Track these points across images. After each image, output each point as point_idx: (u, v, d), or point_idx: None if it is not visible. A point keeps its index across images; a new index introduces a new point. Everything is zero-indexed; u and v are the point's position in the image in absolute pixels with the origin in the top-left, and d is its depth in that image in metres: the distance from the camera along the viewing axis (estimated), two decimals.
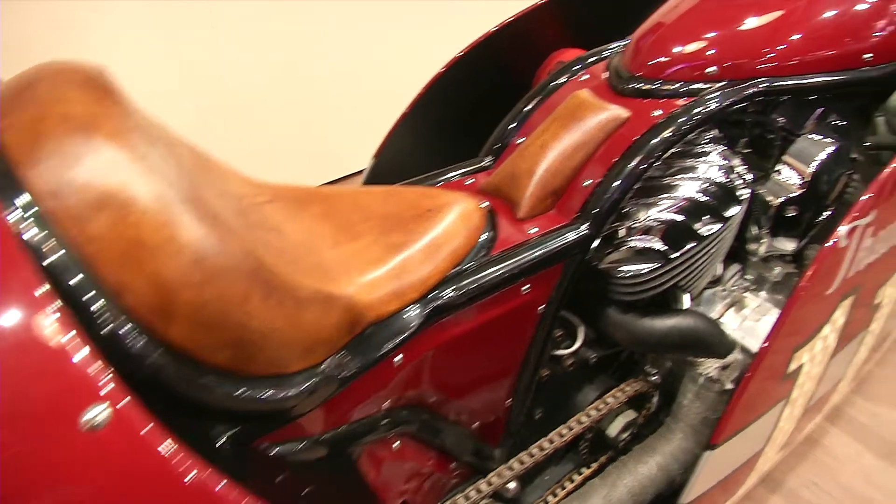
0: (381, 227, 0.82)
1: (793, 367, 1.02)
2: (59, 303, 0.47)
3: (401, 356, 0.79)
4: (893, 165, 0.99)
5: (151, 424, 0.49)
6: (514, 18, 1.33)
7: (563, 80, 1.13)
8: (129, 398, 0.48)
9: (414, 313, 0.79)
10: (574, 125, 0.97)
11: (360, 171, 1.31)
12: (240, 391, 0.62)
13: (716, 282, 1.17)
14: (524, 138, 1.04)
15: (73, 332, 0.47)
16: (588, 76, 1.13)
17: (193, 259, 0.56)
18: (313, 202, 0.83)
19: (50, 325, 0.46)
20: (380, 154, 1.29)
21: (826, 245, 0.93)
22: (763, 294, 1.20)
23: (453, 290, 0.82)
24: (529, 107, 1.11)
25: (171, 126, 0.69)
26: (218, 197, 0.66)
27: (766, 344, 0.94)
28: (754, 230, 1.12)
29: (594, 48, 1.21)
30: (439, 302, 0.81)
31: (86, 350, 0.47)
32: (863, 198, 0.96)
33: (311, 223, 0.80)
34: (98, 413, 0.47)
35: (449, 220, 0.85)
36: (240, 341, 0.61)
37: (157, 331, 0.56)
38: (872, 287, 1.15)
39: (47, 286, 0.48)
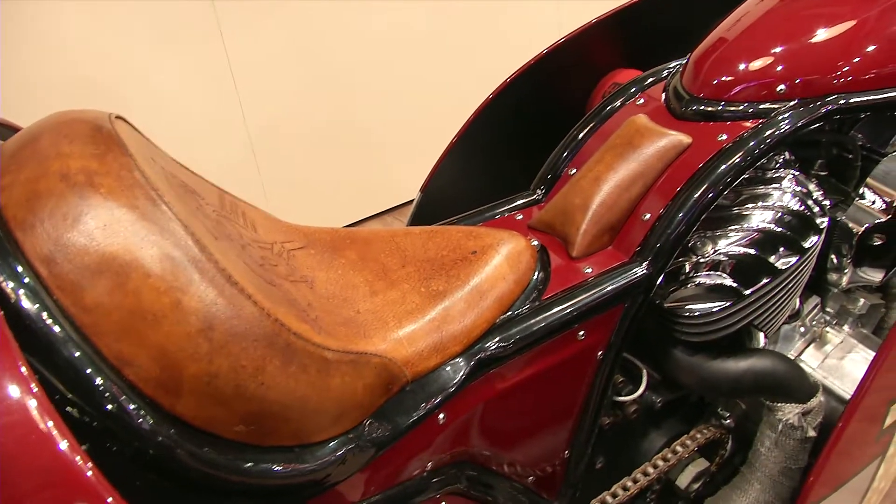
0: (421, 273, 0.76)
1: (890, 419, 0.91)
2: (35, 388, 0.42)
3: (444, 414, 0.72)
4: None
5: None
6: (566, 39, 1.25)
7: (618, 103, 1.05)
8: (111, 499, 0.42)
9: (457, 367, 0.72)
10: (631, 154, 0.89)
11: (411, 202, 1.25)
12: (262, 467, 0.57)
13: (794, 316, 1.07)
14: (577, 169, 0.96)
15: (51, 422, 0.41)
16: (645, 99, 1.05)
17: (201, 328, 0.51)
18: (349, 246, 0.78)
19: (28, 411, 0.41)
20: (427, 187, 1.23)
21: None
22: (846, 329, 1.09)
23: (501, 339, 0.75)
24: (583, 134, 1.03)
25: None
26: (238, 250, 0.61)
27: (860, 392, 0.84)
28: (835, 260, 1.02)
29: (651, 68, 1.13)
30: (485, 354, 0.74)
31: (65, 443, 0.41)
32: None
33: (346, 271, 0.75)
34: None
35: (495, 262, 0.78)
36: (258, 414, 0.55)
37: (164, 406, 0.51)
38: None
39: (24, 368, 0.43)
